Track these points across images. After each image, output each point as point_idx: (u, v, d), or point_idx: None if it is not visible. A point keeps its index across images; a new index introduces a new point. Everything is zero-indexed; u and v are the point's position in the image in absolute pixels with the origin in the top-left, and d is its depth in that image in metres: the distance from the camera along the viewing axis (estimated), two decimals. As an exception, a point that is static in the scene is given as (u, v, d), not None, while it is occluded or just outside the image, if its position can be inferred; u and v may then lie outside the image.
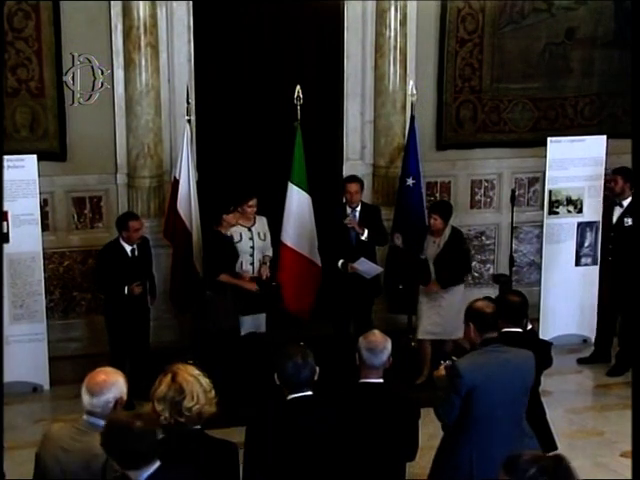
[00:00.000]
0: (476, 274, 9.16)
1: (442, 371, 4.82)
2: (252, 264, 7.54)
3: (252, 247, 7.52)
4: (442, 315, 7.42)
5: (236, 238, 7.43)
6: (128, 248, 7.18)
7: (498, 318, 5.14)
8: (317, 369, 4.09)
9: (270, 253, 7.67)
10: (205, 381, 3.67)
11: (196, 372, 3.69)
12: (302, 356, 4.04)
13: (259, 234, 7.57)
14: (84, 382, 3.77)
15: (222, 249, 7.22)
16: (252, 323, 7.55)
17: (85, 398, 3.74)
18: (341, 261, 7.58)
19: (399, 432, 4.38)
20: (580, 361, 8.11)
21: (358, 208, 7.70)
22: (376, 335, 4.45)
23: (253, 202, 7.44)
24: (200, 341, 7.28)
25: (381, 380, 4.42)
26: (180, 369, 3.67)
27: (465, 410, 4.53)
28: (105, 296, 7.43)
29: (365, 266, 7.57)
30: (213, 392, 3.68)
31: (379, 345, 4.38)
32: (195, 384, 3.63)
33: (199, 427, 3.67)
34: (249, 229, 7.52)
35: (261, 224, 7.59)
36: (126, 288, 7.06)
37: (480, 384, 4.46)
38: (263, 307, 7.54)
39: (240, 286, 7.25)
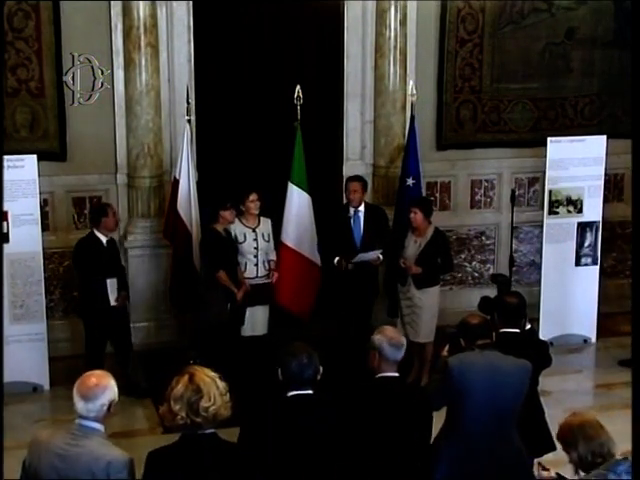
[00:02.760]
0: (476, 274, 9.17)
1: (445, 352, 4.91)
2: (256, 265, 7.53)
3: (256, 248, 7.50)
4: (419, 315, 7.42)
5: (240, 239, 7.44)
6: (104, 239, 7.27)
7: (497, 320, 5.19)
8: (321, 369, 4.12)
9: (273, 256, 7.64)
10: (221, 384, 3.68)
11: (212, 374, 3.69)
12: (307, 355, 4.07)
13: (263, 235, 7.54)
14: (75, 387, 3.76)
15: (217, 247, 7.22)
16: (251, 324, 7.55)
17: (79, 404, 3.72)
18: (337, 258, 7.53)
19: (416, 425, 4.39)
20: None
21: (361, 208, 7.67)
22: (393, 331, 4.51)
23: (253, 197, 7.42)
24: (200, 340, 7.29)
25: (397, 374, 4.43)
26: (197, 370, 3.69)
27: (455, 408, 4.58)
28: (81, 294, 7.49)
29: (364, 257, 7.51)
30: (228, 396, 3.68)
31: (401, 340, 4.43)
32: (212, 385, 3.63)
33: (213, 431, 3.67)
34: (254, 230, 7.50)
35: (266, 226, 7.58)
36: (112, 300, 7.18)
37: (469, 383, 4.50)
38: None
39: (231, 290, 7.26)
